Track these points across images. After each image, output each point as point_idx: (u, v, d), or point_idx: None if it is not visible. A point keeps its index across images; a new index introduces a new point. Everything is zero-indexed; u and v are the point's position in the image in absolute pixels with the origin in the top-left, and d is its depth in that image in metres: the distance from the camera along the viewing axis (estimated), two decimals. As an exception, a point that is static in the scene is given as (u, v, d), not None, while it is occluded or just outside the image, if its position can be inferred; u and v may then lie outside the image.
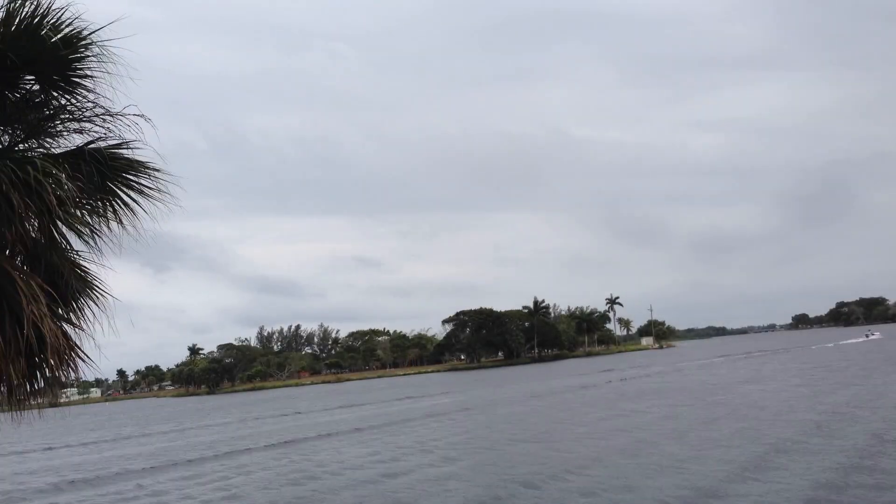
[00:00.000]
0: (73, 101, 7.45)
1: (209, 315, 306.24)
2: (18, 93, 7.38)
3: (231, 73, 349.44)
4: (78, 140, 7.50)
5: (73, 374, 6.92)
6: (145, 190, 7.58)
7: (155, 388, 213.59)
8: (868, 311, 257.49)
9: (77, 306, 7.49)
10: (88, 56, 7.17)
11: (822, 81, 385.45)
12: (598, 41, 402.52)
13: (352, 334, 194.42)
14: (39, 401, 7.04)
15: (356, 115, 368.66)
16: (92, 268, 7.68)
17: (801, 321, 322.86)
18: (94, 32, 7.05)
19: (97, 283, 7.68)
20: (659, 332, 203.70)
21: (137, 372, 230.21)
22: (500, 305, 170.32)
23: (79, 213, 7.34)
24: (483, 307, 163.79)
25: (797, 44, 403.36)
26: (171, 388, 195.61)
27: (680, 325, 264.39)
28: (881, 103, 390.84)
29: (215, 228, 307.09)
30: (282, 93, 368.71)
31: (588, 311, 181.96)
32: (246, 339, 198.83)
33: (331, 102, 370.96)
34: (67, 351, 6.74)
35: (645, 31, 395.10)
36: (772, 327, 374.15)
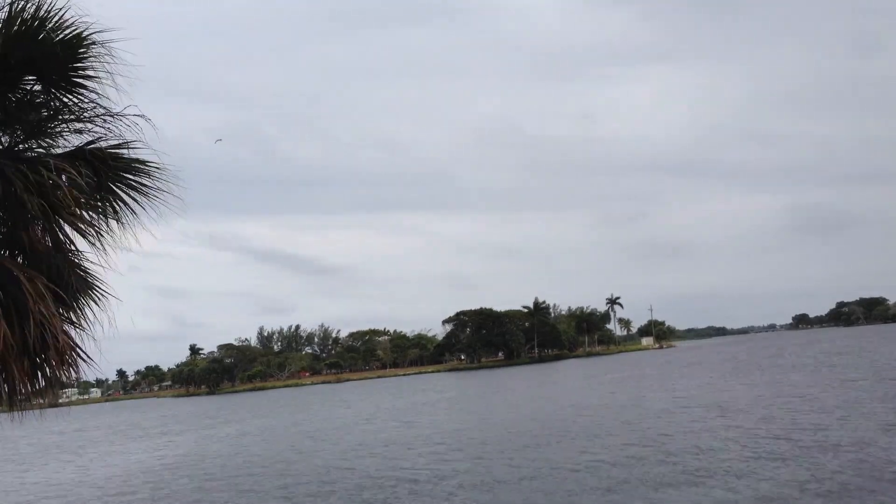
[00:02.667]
0: (74, 101, 7.45)
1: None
2: (19, 93, 7.38)
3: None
4: (77, 140, 7.51)
5: (74, 374, 6.93)
6: (147, 190, 7.58)
7: (155, 388, 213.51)
8: (868, 311, 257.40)
9: (78, 306, 7.50)
10: (90, 56, 7.18)
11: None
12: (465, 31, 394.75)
13: (352, 334, 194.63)
14: (41, 401, 7.05)
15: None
16: (93, 268, 7.69)
17: (801, 321, 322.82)
18: (95, 32, 7.05)
19: (97, 284, 7.68)
20: (659, 332, 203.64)
21: (137, 372, 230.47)
22: (501, 305, 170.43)
23: (86, 213, 7.35)
24: (483, 307, 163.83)
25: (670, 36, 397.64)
26: (171, 387, 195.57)
27: (680, 325, 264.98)
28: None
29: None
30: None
31: (588, 311, 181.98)
32: (246, 339, 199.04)
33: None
34: (69, 351, 6.75)
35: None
36: (772, 327, 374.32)
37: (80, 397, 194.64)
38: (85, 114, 7.46)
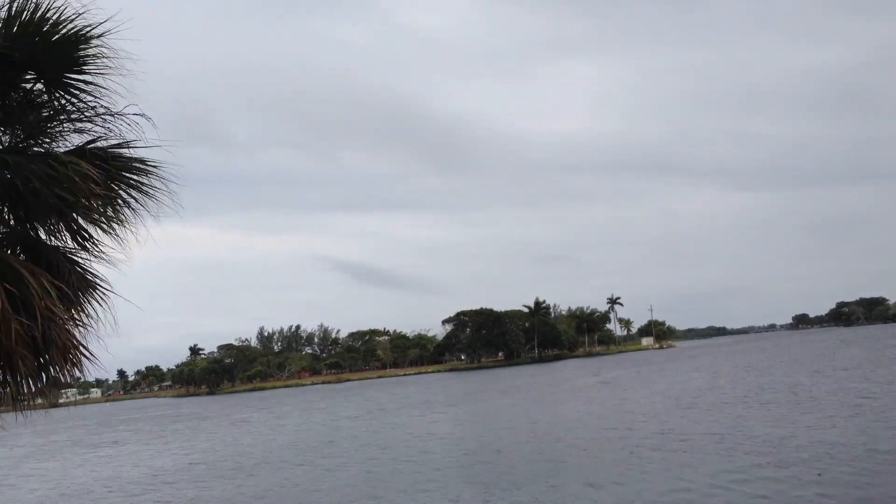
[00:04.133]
0: (75, 100, 7.43)
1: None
2: (19, 92, 7.36)
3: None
4: (78, 139, 7.49)
5: (78, 373, 6.93)
6: (147, 189, 7.57)
7: (155, 388, 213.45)
8: (868, 311, 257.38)
9: (81, 305, 7.48)
10: (90, 54, 7.16)
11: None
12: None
13: (352, 334, 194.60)
14: (43, 400, 7.04)
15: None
16: (96, 266, 7.68)
17: (801, 321, 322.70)
18: (95, 29, 7.03)
19: (100, 282, 7.67)
20: (659, 332, 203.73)
21: (138, 372, 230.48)
22: (501, 305, 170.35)
23: (99, 205, 7.35)
24: (483, 307, 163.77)
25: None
26: (171, 388, 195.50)
27: (680, 325, 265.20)
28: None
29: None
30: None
31: (588, 311, 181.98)
32: (246, 339, 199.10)
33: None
34: (73, 350, 6.75)
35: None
36: (772, 327, 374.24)
37: (81, 397, 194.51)
38: (85, 113, 7.45)
